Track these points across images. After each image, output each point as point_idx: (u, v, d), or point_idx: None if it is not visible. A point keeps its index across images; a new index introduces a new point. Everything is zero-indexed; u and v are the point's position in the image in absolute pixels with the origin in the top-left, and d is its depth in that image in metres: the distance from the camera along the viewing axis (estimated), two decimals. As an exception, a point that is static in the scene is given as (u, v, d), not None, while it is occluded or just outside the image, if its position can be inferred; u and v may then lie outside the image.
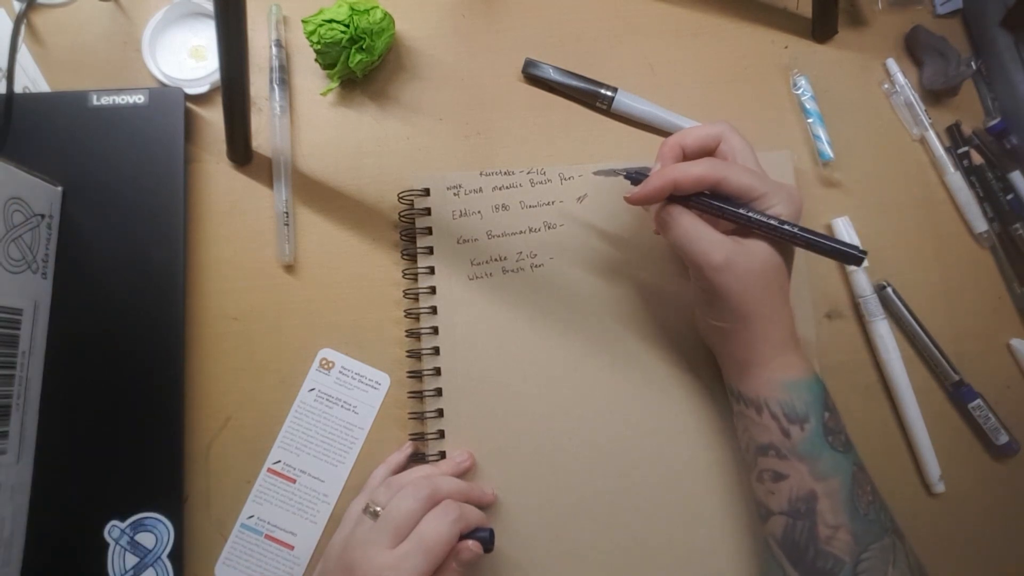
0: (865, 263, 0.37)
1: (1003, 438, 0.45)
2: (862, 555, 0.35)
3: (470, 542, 0.37)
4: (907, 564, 0.35)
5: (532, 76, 0.49)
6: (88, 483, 0.42)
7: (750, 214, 0.37)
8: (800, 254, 0.46)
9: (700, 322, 0.42)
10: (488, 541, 0.38)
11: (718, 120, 0.40)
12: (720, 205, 0.37)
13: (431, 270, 0.46)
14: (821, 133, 0.48)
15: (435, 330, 0.45)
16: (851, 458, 0.37)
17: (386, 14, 0.47)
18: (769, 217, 0.37)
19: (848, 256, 0.37)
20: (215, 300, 0.46)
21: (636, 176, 0.40)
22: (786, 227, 0.36)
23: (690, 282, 0.41)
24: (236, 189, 0.48)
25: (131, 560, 0.41)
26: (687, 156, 0.40)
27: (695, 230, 0.37)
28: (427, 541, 0.35)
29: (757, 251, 0.37)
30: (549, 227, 0.47)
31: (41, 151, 0.46)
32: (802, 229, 0.36)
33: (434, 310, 0.45)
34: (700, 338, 0.44)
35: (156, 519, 0.42)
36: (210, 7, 0.49)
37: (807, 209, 0.47)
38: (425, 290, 0.46)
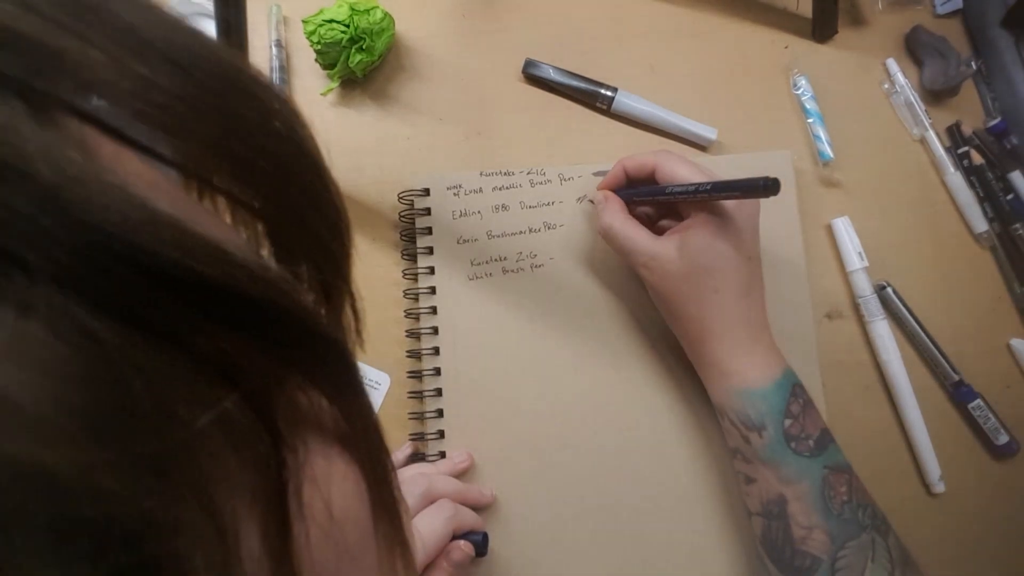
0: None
1: (1003, 438, 0.45)
2: (839, 553, 0.35)
3: (462, 542, 0.37)
4: (888, 559, 0.35)
5: (532, 76, 0.49)
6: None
7: (666, 190, 0.39)
8: (800, 256, 0.46)
9: None
10: (481, 545, 0.38)
11: (659, 150, 0.42)
12: (644, 189, 0.41)
13: (431, 270, 0.46)
14: (821, 133, 0.48)
15: (435, 330, 0.45)
16: (821, 461, 0.36)
17: (386, 14, 0.47)
18: (680, 186, 0.38)
19: (757, 189, 0.34)
20: (215, 300, 0.46)
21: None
22: (699, 190, 0.37)
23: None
24: (236, 189, 0.47)
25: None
26: (628, 178, 0.43)
27: (625, 231, 0.40)
28: (419, 535, 0.35)
29: (684, 249, 0.38)
30: (549, 227, 0.47)
31: (41, 151, 0.46)
32: (712, 184, 0.37)
33: (434, 310, 0.45)
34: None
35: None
36: (210, 7, 0.48)
37: (806, 209, 0.47)
38: (425, 290, 0.46)
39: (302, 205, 0.16)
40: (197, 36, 0.14)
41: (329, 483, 0.16)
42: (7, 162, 0.10)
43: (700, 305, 0.37)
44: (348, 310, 0.18)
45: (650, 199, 0.42)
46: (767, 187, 0.34)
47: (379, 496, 0.18)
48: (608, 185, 0.43)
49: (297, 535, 0.14)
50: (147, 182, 0.13)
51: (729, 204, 0.38)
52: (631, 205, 0.42)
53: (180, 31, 0.13)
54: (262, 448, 0.13)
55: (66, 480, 0.09)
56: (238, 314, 0.13)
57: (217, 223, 0.15)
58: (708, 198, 0.37)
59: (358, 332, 0.19)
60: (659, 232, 0.40)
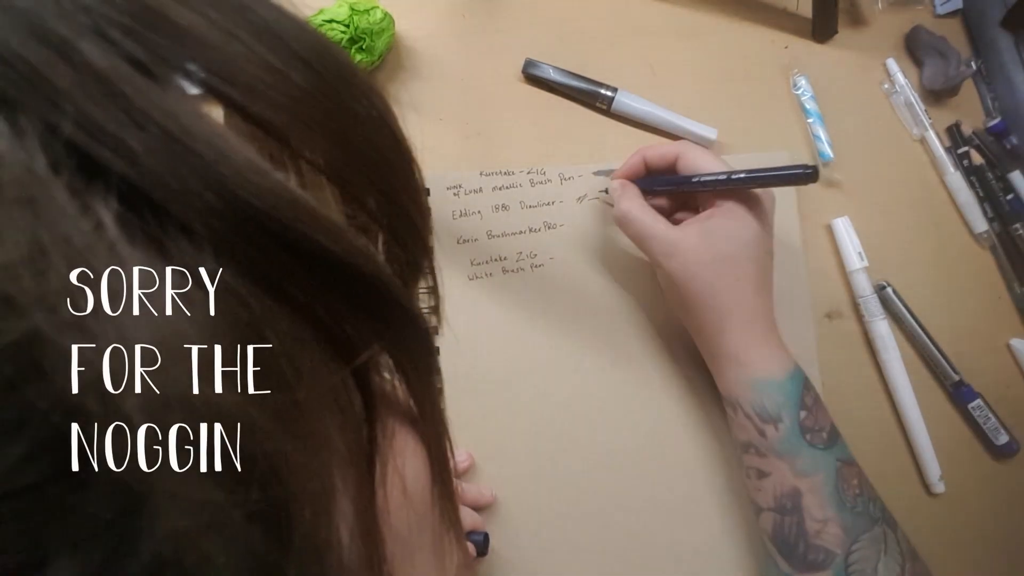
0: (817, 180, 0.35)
1: (1003, 438, 0.45)
2: (853, 546, 0.35)
3: None
4: (899, 552, 0.36)
5: (532, 76, 0.49)
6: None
7: (693, 179, 0.39)
8: (800, 256, 0.47)
9: None
10: (481, 545, 0.38)
11: (680, 141, 0.42)
12: (666, 178, 0.41)
13: (431, 270, 0.46)
14: (821, 133, 0.48)
15: (435, 330, 0.45)
16: (835, 453, 0.37)
17: (386, 14, 0.47)
18: (709, 174, 0.38)
19: (797, 177, 0.35)
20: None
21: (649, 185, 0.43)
22: (732, 177, 0.37)
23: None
24: (236, 189, 0.47)
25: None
26: (648, 168, 0.43)
27: (644, 217, 0.39)
28: None
29: (709, 237, 0.38)
30: (549, 227, 0.47)
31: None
32: (747, 172, 0.36)
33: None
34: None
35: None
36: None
37: (806, 209, 0.47)
38: (424, 290, 0.45)
39: (399, 192, 0.18)
40: (319, 35, 0.15)
41: (404, 457, 0.18)
42: (177, 138, 0.11)
43: (721, 294, 0.37)
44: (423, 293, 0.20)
45: (673, 188, 0.42)
46: (806, 174, 0.34)
47: (439, 477, 0.20)
48: (625, 174, 0.43)
49: (380, 501, 0.16)
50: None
51: (752, 196, 0.38)
52: (648, 196, 0.42)
53: (306, 30, 0.15)
54: (358, 418, 0.15)
55: (225, 417, 0.11)
56: (353, 290, 0.14)
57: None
58: (742, 186, 0.37)
59: (437, 312, 0.21)
60: (674, 225, 0.41)
